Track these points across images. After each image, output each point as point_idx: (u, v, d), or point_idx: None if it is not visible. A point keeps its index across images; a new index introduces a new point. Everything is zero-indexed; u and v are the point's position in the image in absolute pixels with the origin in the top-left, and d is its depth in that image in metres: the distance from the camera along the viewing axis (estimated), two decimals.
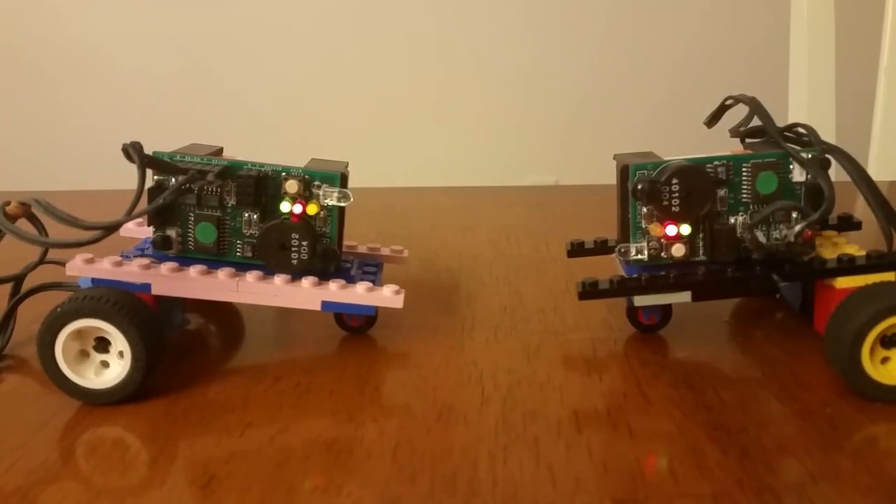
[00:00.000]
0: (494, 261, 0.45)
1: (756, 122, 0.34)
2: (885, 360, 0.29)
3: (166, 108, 1.39)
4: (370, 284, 0.32)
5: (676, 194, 0.30)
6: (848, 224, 0.36)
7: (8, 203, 0.28)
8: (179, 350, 0.34)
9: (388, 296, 0.32)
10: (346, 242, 0.37)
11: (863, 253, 0.31)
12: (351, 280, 0.33)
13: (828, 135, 0.82)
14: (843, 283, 0.31)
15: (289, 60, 1.41)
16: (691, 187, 0.30)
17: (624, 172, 0.31)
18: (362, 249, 0.38)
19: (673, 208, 0.30)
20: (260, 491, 0.23)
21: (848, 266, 0.30)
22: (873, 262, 0.30)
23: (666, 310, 0.34)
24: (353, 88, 1.42)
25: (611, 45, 1.40)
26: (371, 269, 0.36)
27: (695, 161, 0.31)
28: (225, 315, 0.37)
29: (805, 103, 0.83)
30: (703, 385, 0.29)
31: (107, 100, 1.39)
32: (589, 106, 1.40)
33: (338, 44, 1.41)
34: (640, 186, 0.30)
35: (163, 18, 1.39)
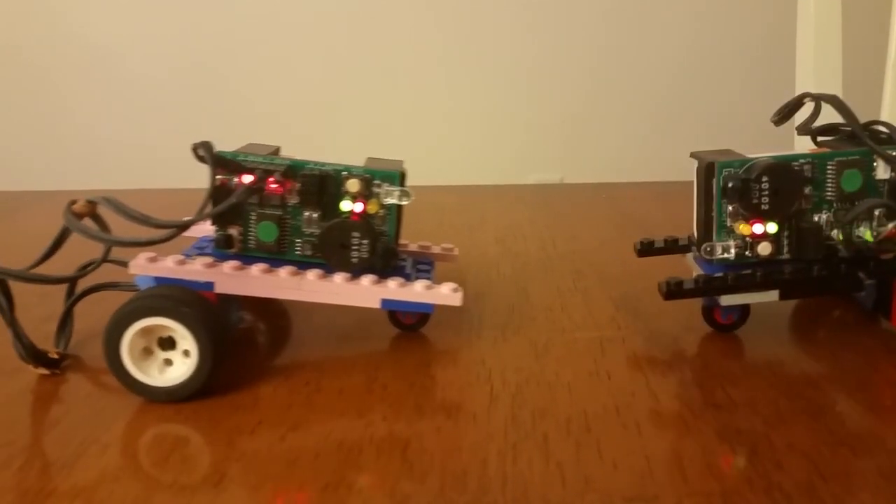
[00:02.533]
0: (501, 259, 0.45)
1: (820, 119, 0.33)
2: None
3: (172, 108, 1.39)
4: (428, 282, 0.32)
5: (766, 192, 0.30)
6: None
7: (74, 201, 0.28)
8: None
9: (446, 293, 0.32)
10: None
11: None
12: (408, 278, 0.33)
13: None
14: None
15: (294, 60, 1.41)
16: (780, 185, 0.30)
17: (709, 170, 0.31)
18: (413, 248, 0.38)
19: (762, 206, 0.30)
20: (271, 489, 0.23)
21: None
22: None
23: (745, 309, 0.33)
24: (359, 88, 1.42)
25: (615, 43, 1.40)
26: (425, 266, 0.36)
27: (780, 158, 0.31)
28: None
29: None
30: (711, 384, 0.29)
31: (116, 99, 1.40)
32: (593, 104, 1.40)
33: (342, 44, 1.41)
34: (730, 184, 0.30)
35: (174, 18, 1.39)
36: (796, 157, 0.31)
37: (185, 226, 0.29)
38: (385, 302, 0.32)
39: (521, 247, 0.47)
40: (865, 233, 0.30)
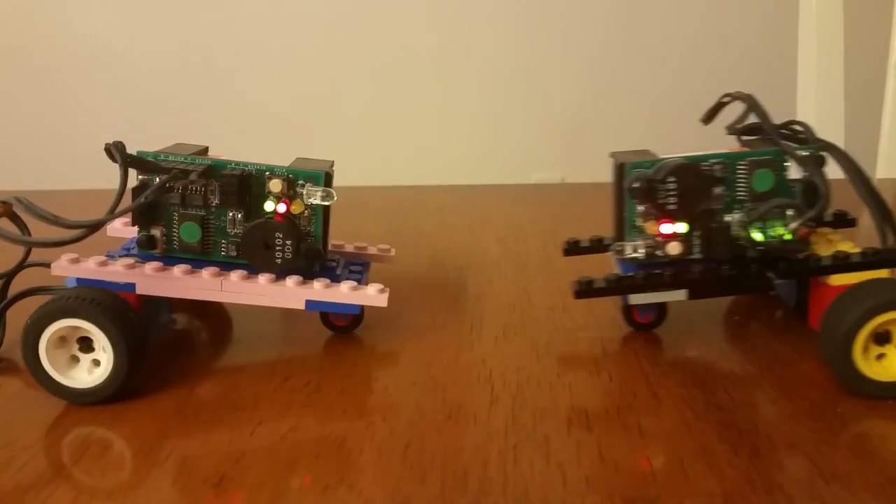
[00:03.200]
0: (502, 259, 0.45)
1: (753, 119, 0.33)
2: (879, 357, 0.29)
3: (168, 107, 1.39)
4: (355, 283, 0.32)
5: (673, 192, 0.30)
6: (843, 221, 0.36)
7: None
8: (187, 349, 0.34)
9: (372, 294, 0.32)
10: (333, 241, 0.37)
11: (857, 250, 0.31)
12: (336, 279, 0.32)
13: (836, 131, 0.82)
14: (838, 280, 0.31)
15: (295, 60, 1.41)
16: (687, 185, 0.30)
17: (620, 170, 0.31)
18: (349, 248, 0.38)
19: (669, 206, 0.30)
20: (272, 490, 0.23)
21: (843, 263, 0.30)
22: (868, 260, 0.30)
23: (661, 308, 0.34)
24: (359, 88, 1.42)
25: (616, 42, 1.40)
26: (357, 268, 0.35)
27: (691, 159, 0.31)
28: (231, 313, 0.37)
29: (813, 100, 0.82)
30: (713, 384, 0.29)
31: (109, 98, 1.40)
32: (594, 103, 1.39)
33: (343, 43, 1.41)
34: (636, 185, 0.30)
35: (163, 18, 1.39)
36: (707, 158, 0.31)
37: (94, 226, 0.28)
38: (310, 303, 0.31)
39: (522, 247, 0.47)
40: (782, 232, 0.30)
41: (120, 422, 0.27)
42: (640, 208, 0.31)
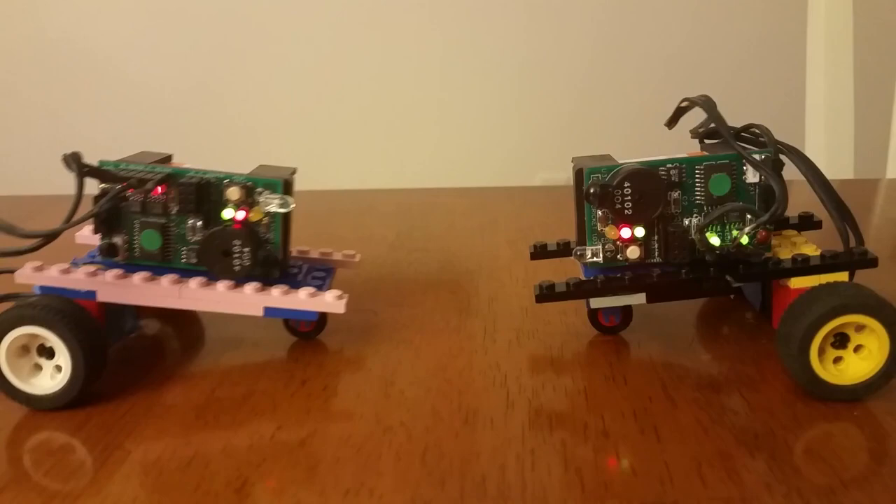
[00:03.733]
0: (513, 262, 0.45)
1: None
2: (837, 360, 0.29)
3: (170, 113, 1.39)
4: (313, 290, 0.32)
5: (629, 197, 0.31)
6: (808, 223, 0.36)
7: None
8: (203, 352, 0.34)
9: (329, 301, 0.32)
10: (298, 248, 0.37)
11: (818, 252, 0.31)
12: (296, 286, 0.33)
13: (846, 133, 0.82)
14: (798, 283, 0.31)
15: (295, 63, 1.42)
16: (643, 190, 0.31)
17: (578, 176, 0.32)
18: (314, 255, 0.38)
19: (626, 211, 0.31)
20: (293, 494, 0.24)
21: (801, 266, 0.31)
22: (827, 262, 0.31)
23: (626, 311, 0.34)
24: (364, 92, 1.42)
25: (622, 39, 1.40)
26: (321, 274, 0.36)
27: (648, 164, 0.31)
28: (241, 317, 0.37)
29: (822, 102, 0.82)
30: (728, 388, 0.30)
31: (101, 104, 1.40)
32: (600, 102, 1.39)
33: (349, 47, 1.41)
34: (592, 190, 0.31)
35: (160, 24, 1.39)
36: (664, 162, 0.31)
37: (51, 235, 0.29)
38: (268, 310, 0.32)
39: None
40: (741, 237, 0.30)
41: (141, 427, 0.28)
42: (599, 213, 0.32)
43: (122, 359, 0.33)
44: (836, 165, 0.82)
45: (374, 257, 0.46)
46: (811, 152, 0.88)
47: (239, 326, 0.36)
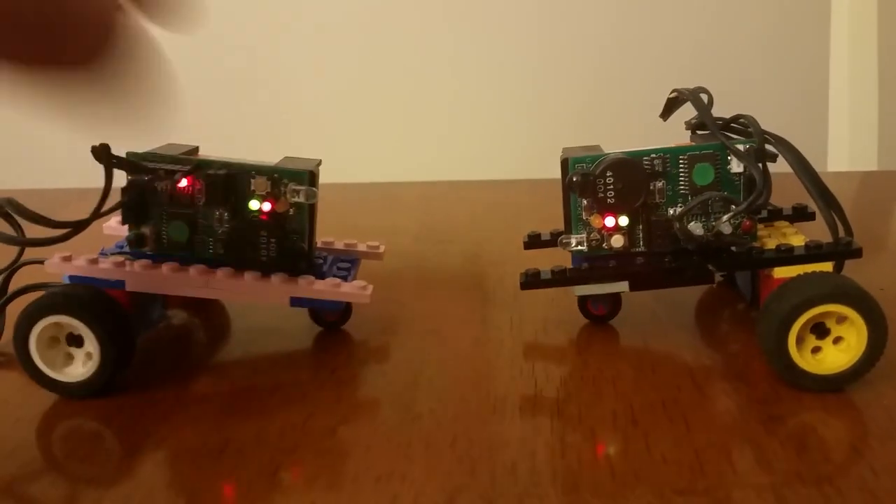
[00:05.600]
0: (538, 253, 0.45)
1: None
2: (816, 350, 0.29)
3: (187, 104, 1.40)
4: (338, 280, 0.32)
5: (611, 186, 0.31)
6: (802, 215, 0.36)
7: None
8: (233, 343, 0.34)
9: (354, 291, 0.32)
10: (323, 238, 0.37)
11: (803, 243, 0.31)
12: (322, 276, 0.33)
13: (870, 124, 0.81)
14: (781, 272, 0.31)
15: (322, 56, 1.42)
16: (625, 180, 0.31)
17: (564, 165, 0.32)
18: (339, 246, 0.38)
19: (609, 200, 0.31)
20: (326, 481, 0.24)
21: (784, 256, 0.31)
22: (810, 252, 0.30)
23: (615, 299, 0.34)
24: (385, 85, 1.43)
25: (642, 30, 1.39)
26: (345, 264, 0.36)
27: (632, 154, 0.31)
28: (267, 306, 0.38)
29: (846, 93, 0.82)
30: (756, 377, 0.30)
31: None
32: (622, 92, 1.39)
33: (368, 38, 1.41)
34: (574, 179, 0.31)
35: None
36: (648, 152, 0.31)
37: (81, 225, 0.29)
38: (294, 300, 0.32)
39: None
40: (719, 225, 0.30)
41: (173, 415, 0.28)
42: (584, 202, 0.32)
43: (151, 349, 0.34)
44: (860, 157, 0.81)
45: (398, 249, 0.46)
46: (835, 144, 0.88)
47: (265, 317, 0.37)
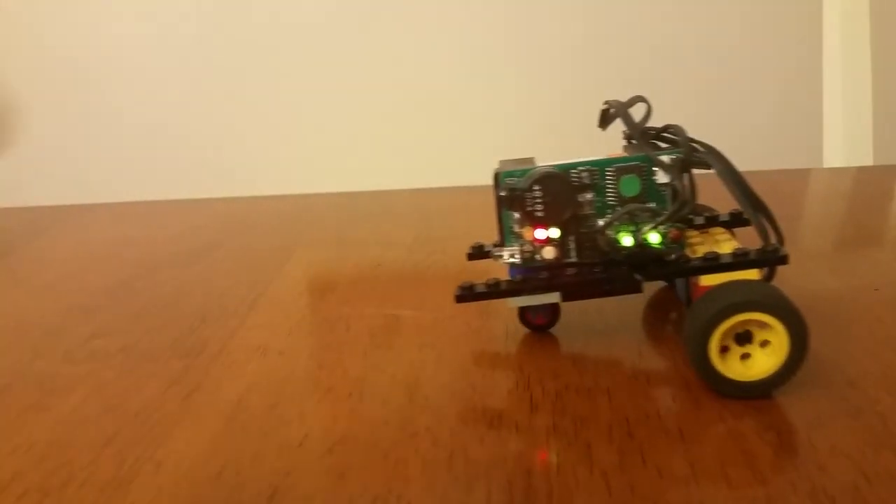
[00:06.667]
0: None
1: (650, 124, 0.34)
2: (743, 357, 0.29)
3: (180, 116, 1.40)
4: None
5: (539, 200, 0.31)
6: (739, 221, 0.36)
7: None
8: (228, 364, 0.35)
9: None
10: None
11: (729, 251, 0.31)
12: None
13: (864, 119, 0.81)
14: (708, 280, 0.31)
15: (314, 65, 1.42)
16: (553, 193, 0.32)
17: (496, 179, 0.33)
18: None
19: (537, 213, 0.32)
20: (322, 502, 0.24)
21: (711, 264, 0.31)
22: (737, 260, 0.31)
23: (553, 309, 0.35)
24: (375, 94, 1.43)
25: (636, 31, 1.39)
26: None
27: (560, 167, 0.32)
28: (271, 328, 0.38)
29: (840, 89, 0.82)
30: None
31: (128, 109, 1.42)
32: (622, 94, 1.39)
33: (360, 46, 1.42)
34: (503, 193, 0.32)
35: (173, 26, 1.40)
36: (576, 165, 0.32)
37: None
38: None
39: None
40: (642, 235, 0.31)
41: (167, 440, 0.28)
42: (516, 215, 0.32)
43: (148, 371, 0.34)
44: (856, 152, 0.81)
45: (393, 260, 0.47)
46: (829, 140, 0.88)
47: (264, 336, 0.37)
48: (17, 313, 0.42)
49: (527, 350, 0.34)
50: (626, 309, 0.37)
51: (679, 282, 0.37)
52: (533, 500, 0.24)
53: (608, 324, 0.36)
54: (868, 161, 0.83)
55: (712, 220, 0.36)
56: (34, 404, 0.31)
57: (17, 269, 0.50)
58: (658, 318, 0.36)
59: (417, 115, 1.42)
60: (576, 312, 0.37)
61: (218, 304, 0.41)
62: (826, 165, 0.87)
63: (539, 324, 0.35)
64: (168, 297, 0.42)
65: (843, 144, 0.84)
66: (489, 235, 0.51)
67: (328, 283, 0.44)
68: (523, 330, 0.36)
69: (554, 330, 0.35)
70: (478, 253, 0.38)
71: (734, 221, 0.36)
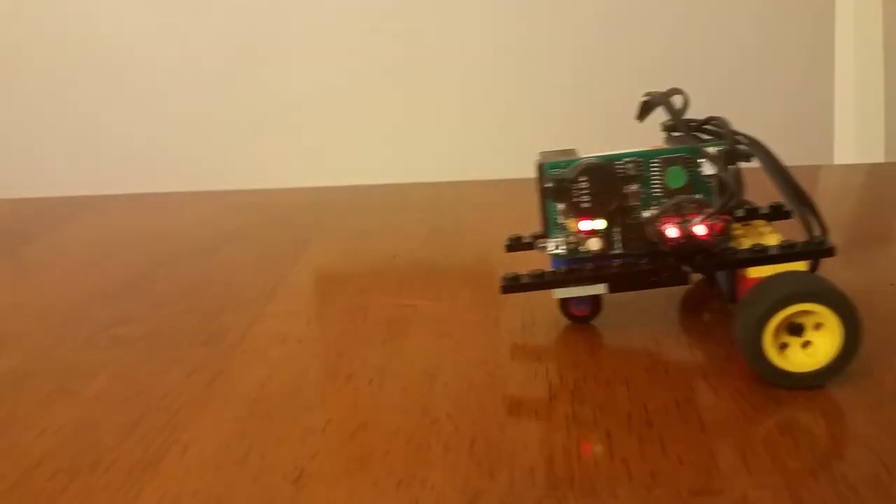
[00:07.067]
0: (529, 255, 0.45)
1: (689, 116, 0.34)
2: (795, 347, 0.29)
3: (197, 110, 1.41)
4: None
5: (586, 191, 0.32)
6: (779, 213, 0.37)
7: None
8: (249, 351, 0.35)
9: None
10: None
11: (776, 242, 0.31)
12: None
13: (877, 115, 0.81)
14: (755, 272, 0.31)
15: (325, 59, 1.43)
16: (599, 184, 0.32)
17: (540, 170, 0.33)
18: None
19: (583, 205, 0.32)
20: (348, 485, 0.24)
21: (758, 256, 0.31)
22: (784, 252, 0.31)
23: (595, 301, 0.35)
24: (388, 86, 1.43)
25: (642, 25, 1.39)
26: None
27: (606, 158, 0.32)
28: (290, 316, 0.38)
29: (852, 85, 0.81)
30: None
31: (136, 101, 1.42)
32: (622, 89, 1.39)
33: (371, 39, 1.42)
34: (549, 185, 0.32)
35: (180, 20, 1.41)
36: (621, 156, 0.32)
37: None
38: None
39: None
40: (692, 227, 0.31)
41: (195, 422, 0.29)
42: (560, 206, 0.32)
43: (171, 358, 0.34)
44: (867, 149, 0.81)
45: (409, 252, 0.47)
46: (841, 136, 0.88)
47: (283, 324, 0.37)
48: (39, 301, 0.42)
49: (544, 340, 0.34)
50: (644, 301, 0.37)
51: (721, 275, 0.36)
52: (556, 486, 0.24)
53: (625, 315, 0.36)
54: (880, 158, 0.83)
55: (753, 213, 0.36)
56: (59, 389, 0.32)
57: (37, 257, 0.50)
58: (674, 308, 0.36)
59: (432, 109, 1.43)
60: None
61: (237, 293, 0.41)
62: (837, 162, 0.87)
63: (581, 315, 0.35)
64: (188, 286, 0.43)
65: (855, 141, 0.84)
66: (503, 228, 0.52)
67: (345, 273, 0.44)
68: (540, 320, 0.36)
69: (569, 322, 0.36)
70: (516, 244, 0.38)
71: (774, 214, 0.36)
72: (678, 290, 0.39)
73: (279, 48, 1.41)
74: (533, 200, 0.59)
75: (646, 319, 0.35)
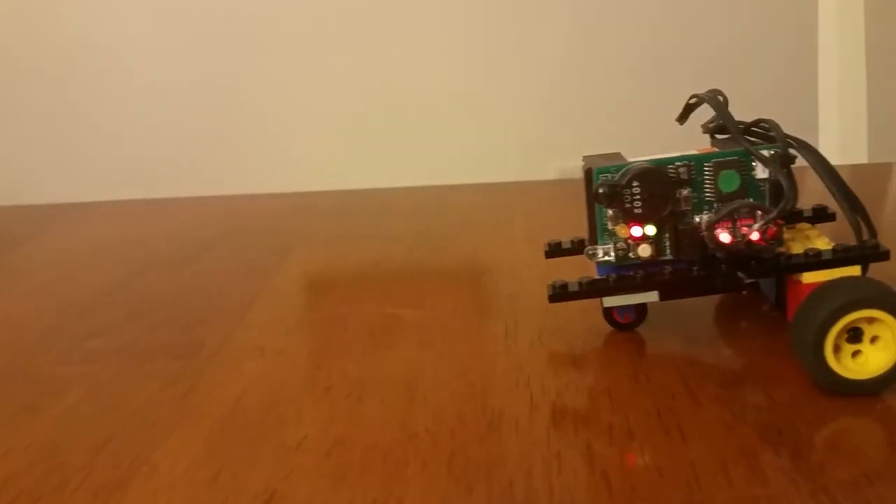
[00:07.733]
0: (532, 260, 0.45)
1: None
2: (855, 354, 0.29)
3: (189, 115, 1.40)
4: None
5: (638, 196, 0.31)
6: (822, 216, 0.36)
7: None
8: (226, 364, 0.34)
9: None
10: None
11: (830, 247, 0.31)
12: None
13: (860, 117, 0.81)
14: (810, 277, 0.31)
15: (312, 62, 1.42)
16: (651, 189, 0.31)
17: (588, 175, 0.32)
18: None
19: (635, 210, 0.31)
20: None
21: (813, 261, 0.31)
22: (839, 257, 0.30)
23: (640, 308, 0.34)
24: (374, 90, 1.42)
25: (630, 27, 1.39)
26: None
27: (656, 162, 0.31)
28: (270, 327, 0.38)
29: (835, 86, 0.81)
30: (751, 384, 0.30)
31: (131, 107, 1.41)
32: (609, 90, 1.39)
33: (358, 43, 1.41)
34: (601, 190, 0.31)
35: (172, 24, 1.40)
36: (673, 160, 0.31)
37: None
38: None
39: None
40: (750, 233, 0.31)
41: (167, 442, 0.28)
42: (610, 212, 0.32)
43: (145, 372, 0.34)
44: (850, 150, 0.81)
45: (392, 258, 0.46)
46: (825, 137, 0.88)
47: (262, 335, 0.37)
48: (12, 312, 0.41)
49: (527, 349, 0.34)
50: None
51: (765, 280, 0.36)
52: (533, 501, 0.23)
53: (608, 324, 0.36)
54: (863, 159, 0.83)
55: (796, 216, 0.36)
56: (29, 405, 0.31)
57: (12, 267, 0.49)
58: (659, 314, 0.36)
59: (416, 113, 1.42)
60: (576, 311, 0.37)
61: (215, 303, 0.41)
62: None
63: (626, 322, 0.34)
64: (165, 297, 0.42)
65: (839, 142, 0.84)
66: (489, 233, 0.51)
67: (327, 281, 0.43)
68: (523, 329, 0.36)
69: (552, 329, 0.35)
70: (556, 250, 0.38)
71: (817, 216, 0.36)
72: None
73: (261, 56, 1.40)
74: (517, 205, 0.59)
75: (631, 329, 0.35)
